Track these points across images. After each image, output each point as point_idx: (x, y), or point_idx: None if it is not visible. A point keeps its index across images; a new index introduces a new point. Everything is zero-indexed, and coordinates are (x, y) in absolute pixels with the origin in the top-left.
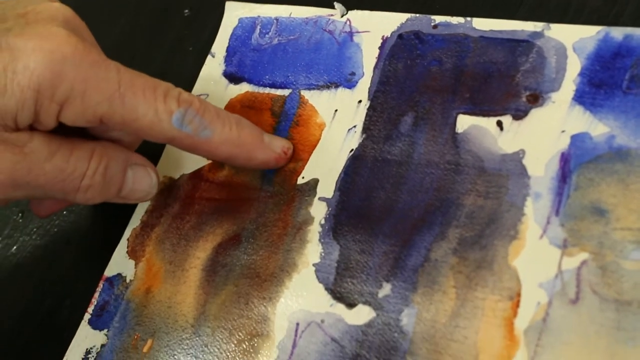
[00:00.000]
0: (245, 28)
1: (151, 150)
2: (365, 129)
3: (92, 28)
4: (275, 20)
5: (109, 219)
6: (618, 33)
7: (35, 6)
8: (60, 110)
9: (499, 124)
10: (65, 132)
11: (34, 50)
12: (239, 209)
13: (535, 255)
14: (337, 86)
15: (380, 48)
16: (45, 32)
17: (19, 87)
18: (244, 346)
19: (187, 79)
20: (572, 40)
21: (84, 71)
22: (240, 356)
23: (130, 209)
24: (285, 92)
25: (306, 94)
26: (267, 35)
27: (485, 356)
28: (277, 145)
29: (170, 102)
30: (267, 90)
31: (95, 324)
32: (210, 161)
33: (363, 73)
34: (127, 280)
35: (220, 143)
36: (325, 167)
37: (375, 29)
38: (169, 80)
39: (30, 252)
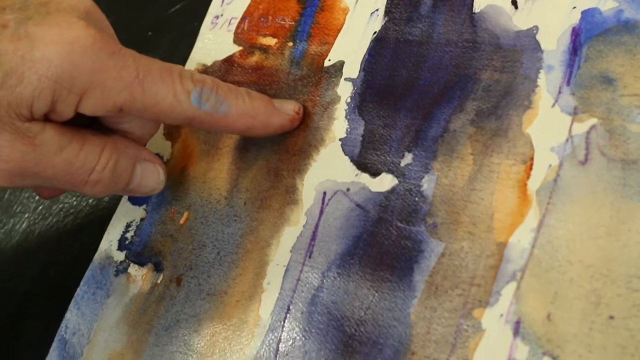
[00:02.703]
0: None
1: (181, 51)
2: (387, 12)
3: None
4: None
5: None
6: None
7: None
8: (80, 101)
9: (514, 3)
10: (77, 122)
11: (53, 41)
12: (269, 91)
13: (548, 122)
14: None
15: None
16: (65, 23)
17: (37, 76)
18: (274, 214)
19: None
20: None
21: (103, 62)
22: (271, 223)
23: None
24: None
25: None
26: None
27: (500, 215)
28: (289, 108)
29: (187, 83)
30: None
31: (134, 200)
32: (241, 47)
33: None
34: (165, 160)
35: (237, 116)
36: (350, 49)
37: None
38: None
39: None
